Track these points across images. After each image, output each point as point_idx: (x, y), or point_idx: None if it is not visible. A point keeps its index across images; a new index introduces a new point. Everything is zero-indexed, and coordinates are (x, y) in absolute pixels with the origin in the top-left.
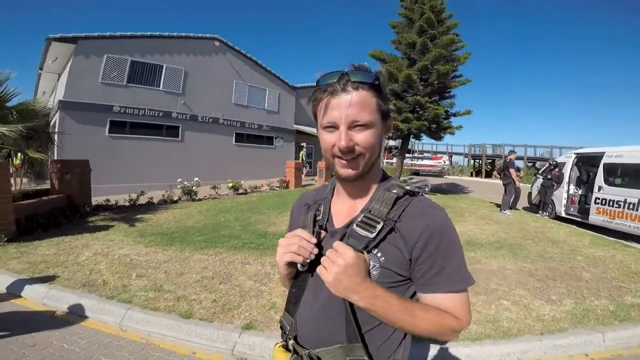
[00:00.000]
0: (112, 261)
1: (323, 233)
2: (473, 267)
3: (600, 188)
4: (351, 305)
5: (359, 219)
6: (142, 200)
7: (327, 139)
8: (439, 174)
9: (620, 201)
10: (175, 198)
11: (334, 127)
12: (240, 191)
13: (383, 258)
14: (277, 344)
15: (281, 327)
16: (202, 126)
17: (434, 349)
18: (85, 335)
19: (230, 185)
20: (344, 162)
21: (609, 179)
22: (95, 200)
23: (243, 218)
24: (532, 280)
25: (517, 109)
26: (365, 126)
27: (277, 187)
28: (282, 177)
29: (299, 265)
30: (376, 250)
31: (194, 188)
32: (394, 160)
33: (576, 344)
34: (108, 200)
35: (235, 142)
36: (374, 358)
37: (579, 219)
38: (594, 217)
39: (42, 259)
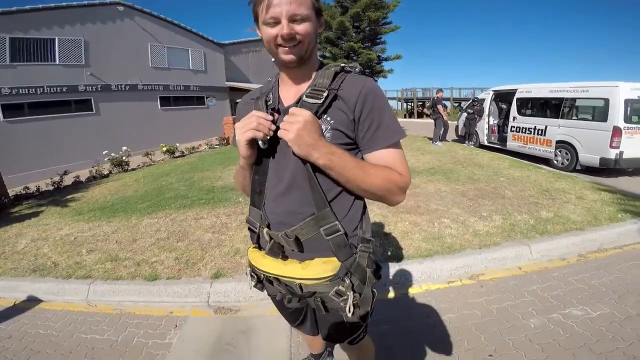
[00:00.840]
0: (55, 243)
1: (276, 115)
2: (413, 190)
3: (514, 118)
4: (314, 170)
5: (307, 92)
6: (68, 181)
7: (271, 31)
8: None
9: (531, 128)
10: (106, 172)
11: (276, 22)
12: (177, 154)
13: (332, 121)
14: (250, 247)
15: (250, 228)
16: (118, 95)
17: (392, 268)
18: (56, 317)
19: (164, 149)
20: (287, 48)
21: (521, 110)
22: (12, 190)
23: (186, 178)
24: (464, 199)
25: (443, 55)
26: (303, 19)
27: (216, 145)
28: (220, 135)
29: (260, 143)
30: (325, 115)
31: (124, 158)
32: None
33: (509, 257)
34: (27, 188)
35: (161, 106)
36: (343, 227)
37: (499, 146)
38: (511, 144)
39: None
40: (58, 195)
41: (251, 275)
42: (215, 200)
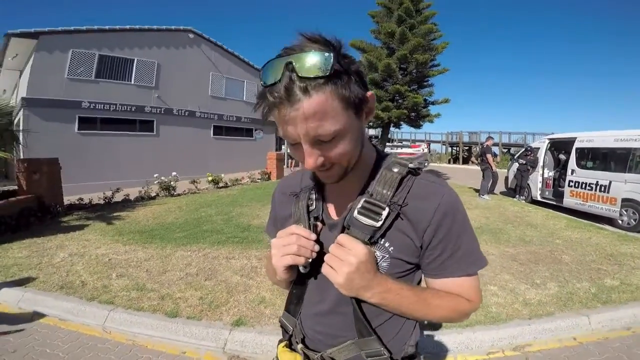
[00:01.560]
0: (89, 261)
1: (320, 225)
2: None
3: (573, 171)
4: (358, 301)
5: (360, 205)
6: (118, 197)
7: (296, 153)
8: (421, 156)
9: (592, 184)
10: (153, 194)
11: (296, 143)
12: (221, 185)
13: (392, 248)
14: (280, 343)
15: (282, 327)
16: (177, 120)
17: (427, 338)
18: (68, 338)
19: (210, 178)
20: (321, 173)
21: (581, 162)
22: (68, 199)
23: (225, 212)
24: (515, 264)
25: (493, 97)
26: (334, 138)
27: (258, 179)
28: (264, 169)
29: (300, 267)
30: (383, 239)
31: (172, 183)
32: None
33: (564, 328)
34: (81, 199)
35: (214, 135)
36: (389, 349)
37: (554, 202)
38: (568, 200)
39: (13, 262)
40: (107, 211)
41: None
42: (249, 240)
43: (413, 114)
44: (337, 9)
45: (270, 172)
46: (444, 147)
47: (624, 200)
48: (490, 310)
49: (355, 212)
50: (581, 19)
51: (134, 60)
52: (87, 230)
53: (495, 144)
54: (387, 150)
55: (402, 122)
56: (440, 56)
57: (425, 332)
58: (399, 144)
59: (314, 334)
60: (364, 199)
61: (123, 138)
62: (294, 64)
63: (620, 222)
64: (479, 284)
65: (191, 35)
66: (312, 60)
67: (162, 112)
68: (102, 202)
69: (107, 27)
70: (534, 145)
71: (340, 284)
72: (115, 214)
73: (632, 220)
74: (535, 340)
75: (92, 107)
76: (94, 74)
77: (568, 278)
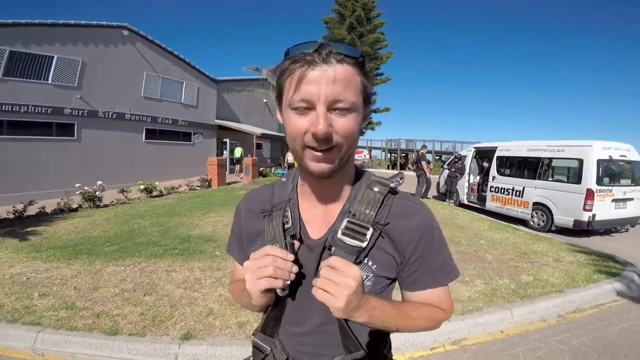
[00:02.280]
0: (2, 281)
1: (297, 244)
2: None
3: (494, 178)
4: (346, 320)
5: (344, 225)
6: (32, 210)
7: (298, 123)
8: (361, 168)
9: (509, 189)
10: (75, 206)
11: (308, 107)
12: (155, 193)
13: (375, 266)
14: None
15: (256, 348)
16: (104, 122)
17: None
18: None
19: (142, 187)
20: (318, 154)
21: (500, 169)
22: None
23: (161, 223)
24: None
25: (427, 106)
26: (348, 110)
27: (197, 186)
28: (203, 175)
29: (278, 291)
30: (366, 259)
31: (97, 193)
32: None
33: (492, 322)
34: None
35: (146, 139)
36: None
37: (478, 206)
38: (490, 204)
39: None
40: (18, 226)
41: None
42: (190, 252)
43: None
44: (290, 12)
45: (211, 179)
46: (383, 153)
47: (534, 204)
48: None
49: (339, 233)
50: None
51: (53, 57)
52: None
53: (429, 152)
54: None
55: None
56: (384, 65)
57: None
58: None
59: (299, 354)
60: (347, 220)
61: (36, 144)
62: (330, 44)
63: (531, 223)
64: (450, 293)
65: (125, 32)
66: (347, 46)
67: (86, 115)
68: (11, 216)
69: (23, 20)
70: (462, 153)
71: (341, 307)
72: (29, 229)
73: (541, 221)
74: (470, 334)
75: None
76: (1, 71)
77: (491, 275)
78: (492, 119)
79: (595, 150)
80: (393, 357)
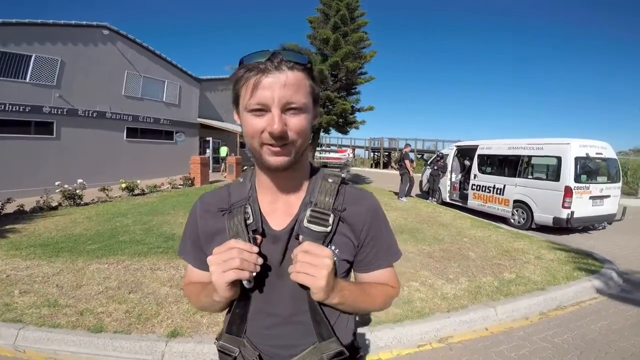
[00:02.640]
0: None
1: (260, 238)
2: None
3: (475, 176)
4: (320, 305)
5: (308, 214)
6: (10, 208)
7: (255, 123)
8: (344, 166)
9: (490, 187)
10: (55, 204)
11: (263, 109)
12: (137, 192)
13: (337, 250)
14: None
15: (222, 352)
16: (84, 121)
17: (365, 334)
18: None
19: (123, 185)
20: (275, 149)
21: (481, 167)
22: None
23: (144, 221)
24: (431, 261)
25: (410, 105)
26: (300, 110)
27: (180, 185)
28: (187, 174)
29: (244, 282)
30: (330, 244)
31: (77, 191)
32: None
33: (476, 319)
34: None
35: (127, 137)
36: (344, 347)
37: (460, 204)
38: (472, 202)
39: None
40: None
41: None
42: (174, 250)
43: (341, 120)
44: (275, 12)
45: (194, 178)
46: (366, 152)
47: (515, 201)
48: (416, 305)
49: (305, 221)
50: (484, 33)
51: (31, 56)
52: None
53: (411, 151)
54: (317, 154)
55: (331, 128)
56: (368, 65)
57: (361, 330)
58: (327, 148)
59: (270, 348)
60: (310, 209)
61: (14, 142)
62: (281, 53)
63: (512, 221)
64: (396, 273)
65: (105, 32)
66: (294, 53)
67: (65, 113)
68: None
69: (0, 20)
70: (444, 152)
71: (322, 286)
72: (7, 227)
73: (521, 219)
74: (456, 332)
75: None
76: None
77: (475, 273)
78: (473, 118)
79: (573, 148)
80: (360, 346)
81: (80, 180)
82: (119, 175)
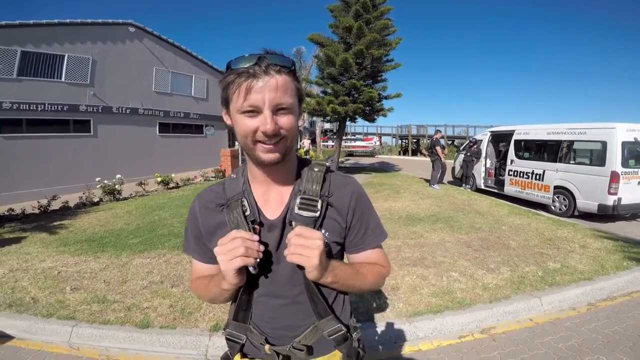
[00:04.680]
0: (35, 276)
1: (258, 228)
2: (417, 241)
3: (512, 161)
4: (317, 285)
5: (298, 202)
6: (55, 205)
7: (249, 123)
8: (371, 154)
9: (529, 173)
10: (96, 199)
11: (255, 111)
12: (172, 185)
13: (327, 233)
14: (233, 357)
15: (230, 340)
16: (118, 118)
17: (403, 325)
18: (33, 358)
19: (159, 179)
20: (268, 146)
21: (518, 153)
22: None
23: (180, 214)
24: (470, 250)
25: (436, 91)
26: (288, 110)
27: (212, 177)
28: (217, 166)
29: (250, 268)
30: (320, 228)
31: (117, 186)
32: (330, 142)
33: (520, 310)
34: (12, 210)
35: (160, 132)
36: (343, 324)
37: (496, 190)
38: (509, 188)
39: None
40: (44, 221)
41: None
42: None
43: (368, 108)
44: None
45: (225, 170)
46: (394, 139)
47: (555, 187)
48: (456, 296)
49: (296, 208)
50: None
51: (64, 56)
52: (26, 243)
53: (441, 137)
54: (343, 143)
55: (357, 116)
56: (393, 51)
57: (401, 320)
58: (353, 137)
59: (275, 331)
60: (299, 197)
61: (55, 140)
62: (267, 58)
63: (553, 208)
64: (385, 253)
65: (131, 29)
66: (280, 57)
67: (100, 111)
68: (37, 211)
69: (31, 21)
70: (477, 137)
71: (315, 265)
72: (55, 224)
73: (563, 206)
74: (499, 323)
75: (15, 107)
76: (16, 71)
77: (517, 262)
78: (504, 103)
79: (619, 132)
80: (359, 325)
81: (118, 176)
82: (153, 170)
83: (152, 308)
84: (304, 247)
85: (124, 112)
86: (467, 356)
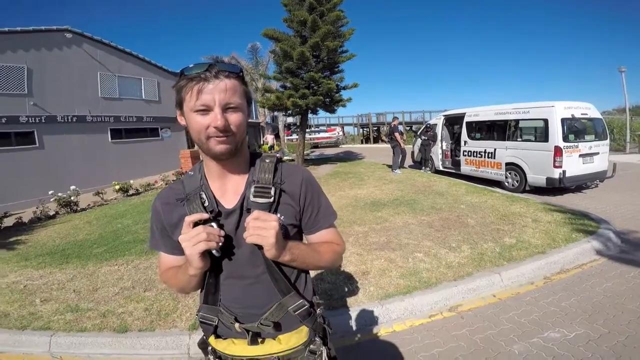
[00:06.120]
0: (0, 291)
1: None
2: (383, 225)
3: (465, 142)
4: (277, 263)
5: (253, 191)
6: (8, 222)
7: (201, 120)
8: (335, 144)
9: (482, 152)
10: (52, 213)
11: (207, 109)
12: (131, 192)
13: (282, 217)
14: (207, 338)
15: (203, 323)
16: (65, 127)
17: (376, 307)
18: None
19: (117, 187)
20: (220, 139)
21: (470, 134)
22: None
23: (144, 220)
24: (432, 231)
25: (393, 79)
26: (237, 108)
27: (173, 180)
28: (178, 168)
29: (214, 252)
30: (275, 212)
31: (72, 198)
32: (294, 136)
33: (483, 286)
34: None
35: (112, 139)
36: (306, 300)
37: (453, 171)
38: (464, 168)
39: None
40: None
41: None
42: None
43: (327, 99)
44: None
45: (185, 172)
46: (355, 128)
47: (507, 164)
48: (422, 276)
49: (252, 196)
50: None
51: None
52: None
53: (400, 123)
54: (307, 136)
55: (318, 108)
56: (347, 43)
57: (374, 303)
58: (316, 129)
59: (244, 310)
60: (254, 185)
61: None
62: (217, 65)
63: (506, 184)
64: (339, 232)
65: (68, 35)
66: (230, 65)
67: (44, 121)
68: None
69: None
70: (432, 122)
71: (273, 243)
72: (11, 239)
73: (515, 181)
74: (464, 300)
75: None
76: None
77: (476, 240)
78: (455, 88)
79: (558, 110)
80: (321, 301)
81: (73, 187)
82: (110, 178)
83: (128, 312)
84: (261, 229)
85: (70, 120)
86: (438, 335)
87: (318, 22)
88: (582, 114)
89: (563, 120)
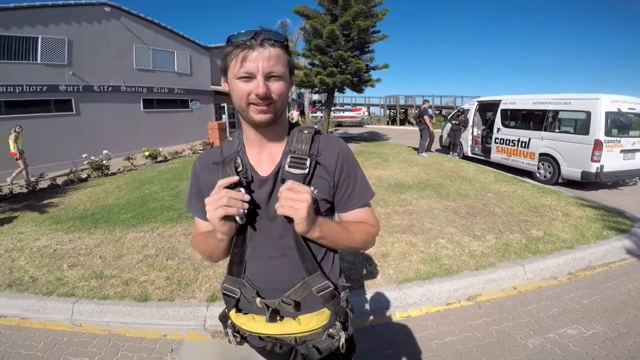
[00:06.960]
0: (31, 255)
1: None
2: (406, 208)
3: (498, 130)
4: (305, 240)
5: (289, 160)
6: (44, 184)
7: (244, 87)
8: (360, 124)
9: (515, 140)
10: (84, 176)
11: (250, 77)
12: (160, 159)
13: (316, 190)
14: (229, 312)
15: (226, 295)
16: (100, 96)
17: (393, 291)
18: (38, 337)
19: (146, 153)
20: (260, 107)
21: (505, 122)
22: None
23: (170, 187)
24: (457, 217)
25: (426, 61)
26: (279, 77)
27: (200, 150)
28: (205, 139)
29: (237, 218)
30: (310, 186)
31: (104, 162)
32: (318, 114)
33: (505, 278)
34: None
35: (144, 108)
36: (332, 282)
37: (483, 157)
38: (495, 155)
39: None
40: (33, 199)
41: (233, 335)
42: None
43: (356, 79)
44: None
45: (213, 142)
46: (382, 110)
47: (541, 155)
48: (443, 263)
49: (287, 166)
50: None
51: (37, 38)
52: (18, 223)
53: (429, 107)
54: (332, 114)
55: (345, 87)
56: (380, 23)
57: (391, 286)
58: (341, 108)
59: (267, 283)
60: (290, 156)
61: (37, 120)
62: (262, 33)
63: (538, 175)
64: (374, 212)
65: (107, 9)
66: (275, 33)
67: (81, 90)
68: (25, 190)
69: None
70: (464, 107)
71: (304, 217)
72: (45, 202)
73: (547, 173)
74: (484, 290)
75: None
76: None
77: (502, 230)
78: (490, 75)
79: (604, 103)
80: (348, 284)
81: (105, 151)
82: (140, 145)
83: (150, 281)
84: (293, 201)
85: (105, 90)
86: (454, 323)
87: (350, 1)
88: (629, 109)
89: (608, 114)
